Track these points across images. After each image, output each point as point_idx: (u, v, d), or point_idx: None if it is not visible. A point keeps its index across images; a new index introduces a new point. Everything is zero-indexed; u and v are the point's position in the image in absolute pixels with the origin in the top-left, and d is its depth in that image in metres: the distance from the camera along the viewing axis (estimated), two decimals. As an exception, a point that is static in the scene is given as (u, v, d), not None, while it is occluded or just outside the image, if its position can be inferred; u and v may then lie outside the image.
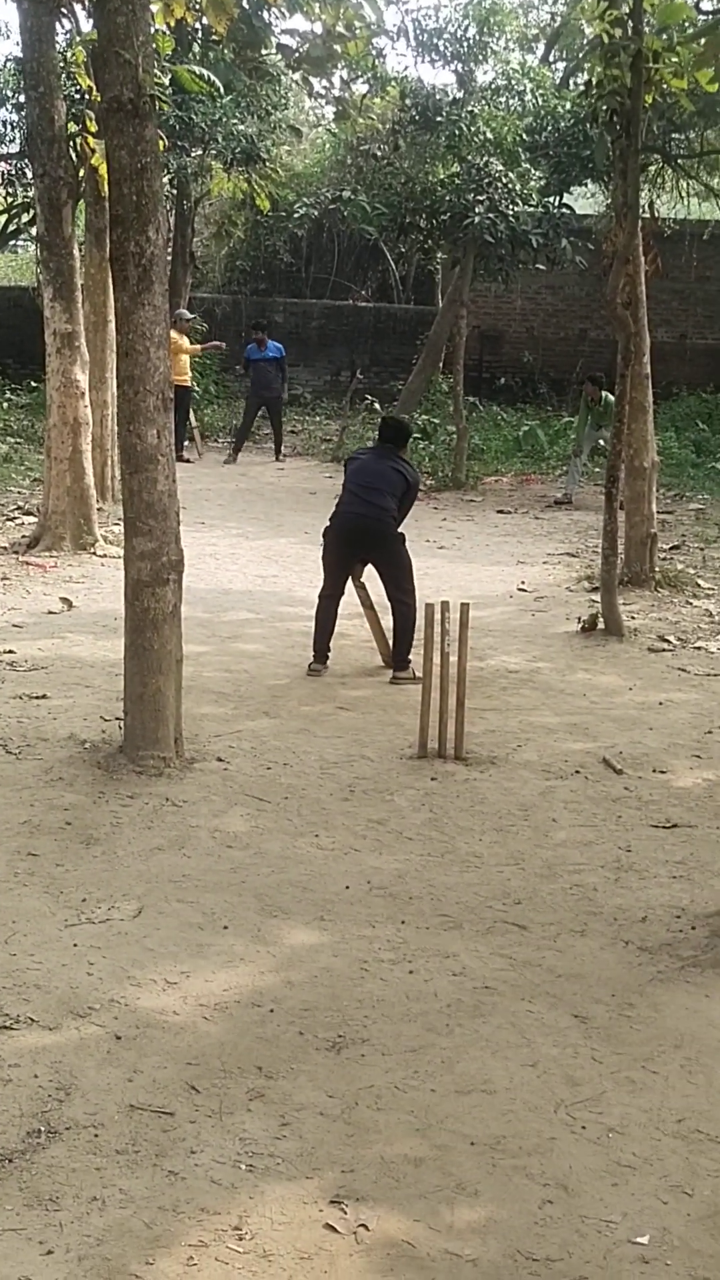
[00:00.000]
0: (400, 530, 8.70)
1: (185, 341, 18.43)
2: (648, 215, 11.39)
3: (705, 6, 18.97)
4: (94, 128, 11.94)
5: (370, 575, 8.81)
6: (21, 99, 16.91)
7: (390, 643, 8.69)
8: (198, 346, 19.43)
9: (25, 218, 21.83)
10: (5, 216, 22.84)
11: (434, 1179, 3.49)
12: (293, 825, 5.99)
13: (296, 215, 21.92)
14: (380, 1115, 3.77)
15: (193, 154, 19.17)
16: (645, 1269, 3.19)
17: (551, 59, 25.06)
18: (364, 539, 8.58)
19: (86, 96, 12.28)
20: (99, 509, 12.72)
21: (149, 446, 6.46)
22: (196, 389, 20.44)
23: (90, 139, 12.16)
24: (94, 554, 11.96)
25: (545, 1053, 4.13)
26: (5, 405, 21.39)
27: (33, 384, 20.15)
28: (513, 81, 18.58)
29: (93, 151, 12.15)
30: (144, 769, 6.47)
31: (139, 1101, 3.78)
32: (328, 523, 8.71)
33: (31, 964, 4.57)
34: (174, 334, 16.97)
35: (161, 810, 6.06)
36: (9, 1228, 3.25)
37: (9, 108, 20.76)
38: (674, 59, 9.40)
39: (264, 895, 5.23)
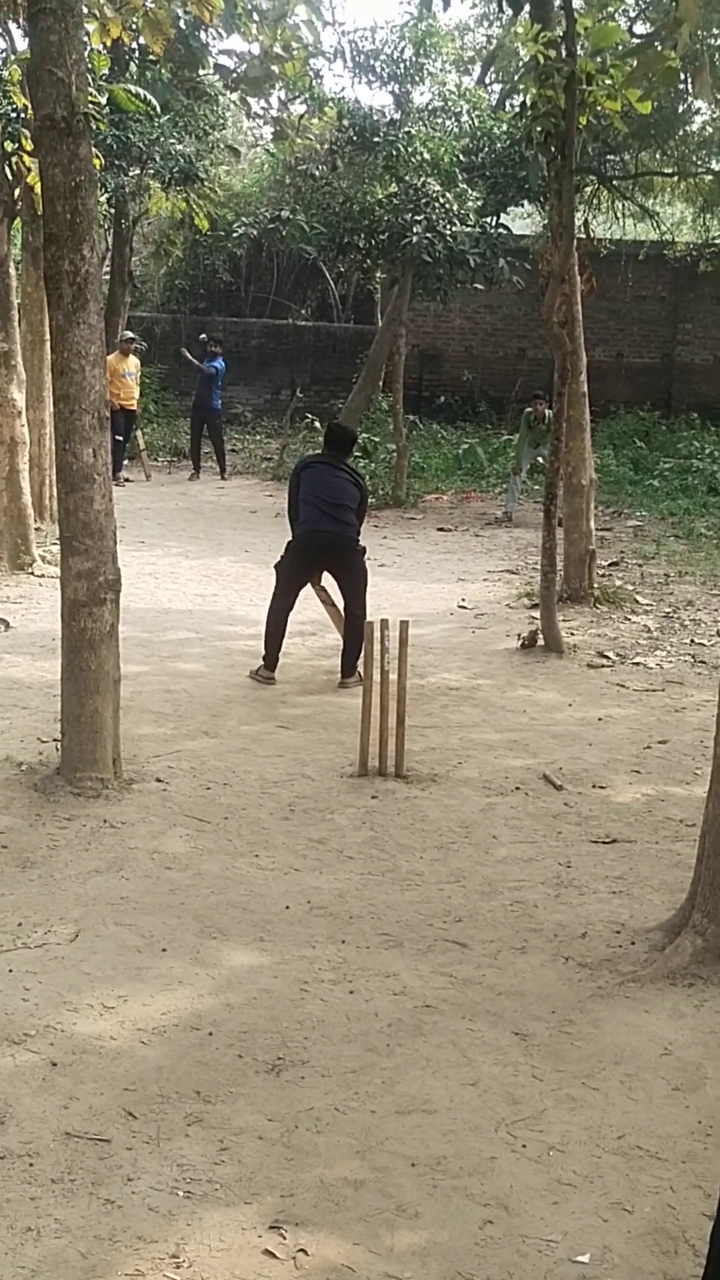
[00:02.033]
0: (361, 544, 9.03)
1: (131, 363, 18.36)
2: (583, 236, 11.47)
3: (639, 30, 19.25)
4: (29, 146, 11.87)
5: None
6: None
7: (342, 646, 8.87)
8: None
9: (-39, 236, 21.65)
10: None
11: (374, 1201, 3.46)
12: (232, 845, 5.95)
13: (235, 234, 21.88)
14: (320, 1138, 3.74)
15: (130, 173, 19.13)
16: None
17: (487, 81, 25.28)
18: (330, 553, 8.90)
19: (22, 115, 12.21)
20: (37, 528, 12.64)
21: (85, 465, 6.41)
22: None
23: (26, 157, 12.09)
24: (32, 574, 11.86)
25: (486, 1071, 4.11)
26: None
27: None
28: (449, 103, 18.71)
29: (28, 170, 12.08)
30: (81, 791, 6.41)
31: (75, 1129, 3.72)
32: (291, 538, 9.01)
33: (-34, 990, 4.50)
34: (114, 357, 16.95)
35: (99, 832, 6.00)
36: (-59, 1261, 3.18)
37: (-56, 126, 20.58)
38: (608, 81, 9.51)
39: (203, 916, 5.18)
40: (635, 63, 8.82)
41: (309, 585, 9.19)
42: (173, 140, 18.63)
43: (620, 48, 10.58)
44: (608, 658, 9.55)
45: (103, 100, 11.75)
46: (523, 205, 21.55)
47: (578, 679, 9.07)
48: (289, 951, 4.91)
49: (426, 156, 16.97)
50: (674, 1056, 4.25)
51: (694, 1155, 3.74)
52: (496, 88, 25.04)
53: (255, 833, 6.12)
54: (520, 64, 20.30)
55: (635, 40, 17.46)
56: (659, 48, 8.51)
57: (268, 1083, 4.01)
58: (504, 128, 18.52)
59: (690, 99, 19.83)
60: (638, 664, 9.46)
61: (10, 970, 4.65)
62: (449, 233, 16.37)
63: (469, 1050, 4.24)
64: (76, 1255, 3.21)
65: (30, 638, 9.58)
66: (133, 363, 18.54)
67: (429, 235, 16.18)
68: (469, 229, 17.05)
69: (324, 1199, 3.47)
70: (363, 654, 7.27)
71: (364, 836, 6.13)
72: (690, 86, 10.17)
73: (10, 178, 12.05)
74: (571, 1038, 4.34)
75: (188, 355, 20.07)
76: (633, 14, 20.80)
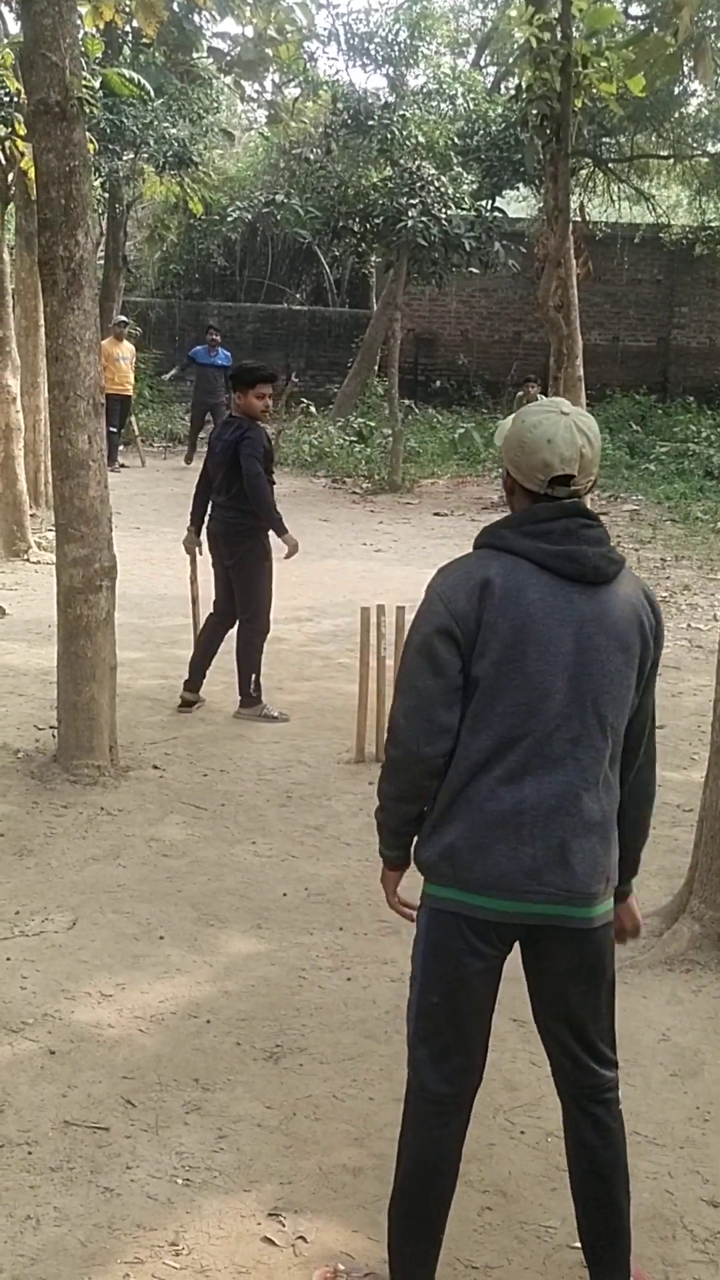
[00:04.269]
0: (261, 544, 7.63)
1: (125, 349, 18.28)
2: (579, 219, 11.43)
3: (634, 11, 19.18)
4: (23, 130, 11.82)
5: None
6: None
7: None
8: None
9: (-45, 221, 21.58)
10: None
11: (373, 1188, 3.46)
12: (229, 832, 5.95)
13: (230, 219, 21.89)
14: (319, 1125, 3.74)
15: (124, 157, 19.08)
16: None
17: (482, 63, 25.22)
18: (220, 549, 7.73)
19: (15, 99, 12.16)
20: (32, 515, 12.61)
21: (80, 452, 6.39)
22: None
23: (19, 142, 12.04)
24: (27, 560, 11.85)
25: (484, 1058, 4.11)
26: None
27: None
28: (444, 86, 18.68)
29: (22, 155, 12.03)
30: (78, 778, 6.40)
31: (73, 1117, 3.72)
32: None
33: (-36, 979, 4.50)
34: (108, 342, 16.89)
35: (96, 819, 6.00)
36: (-60, 1250, 3.19)
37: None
38: (603, 64, 9.46)
39: (200, 904, 5.18)
40: (634, 50, 8.76)
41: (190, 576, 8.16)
42: (167, 124, 18.57)
43: (615, 30, 10.53)
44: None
45: (96, 84, 11.71)
46: (518, 188, 21.54)
47: (574, 664, 9.05)
48: (287, 938, 4.91)
49: (421, 140, 16.95)
50: (671, 1042, 4.26)
51: (692, 1140, 3.74)
52: (491, 70, 24.99)
53: (252, 820, 6.12)
54: (515, 46, 20.22)
55: (631, 22, 17.41)
56: (656, 32, 8.45)
57: (266, 1070, 4.01)
58: (499, 111, 18.50)
59: (686, 81, 19.76)
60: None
61: (8, 959, 4.65)
62: (444, 216, 16.35)
63: (467, 1037, 4.24)
64: (76, 1243, 3.21)
65: (26, 625, 9.57)
66: (127, 348, 18.48)
67: (424, 219, 16.15)
68: (464, 212, 17.03)
69: (323, 1186, 3.47)
70: (359, 640, 7.16)
71: (361, 823, 6.13)
72: (692, 70, 10.10)
73: (3, 163, 12.00)
74: (569, 1024, 4.34)
75: (179, 371, 19.75)
76: (628, -5, 20.70)
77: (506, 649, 2.72)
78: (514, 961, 4.75)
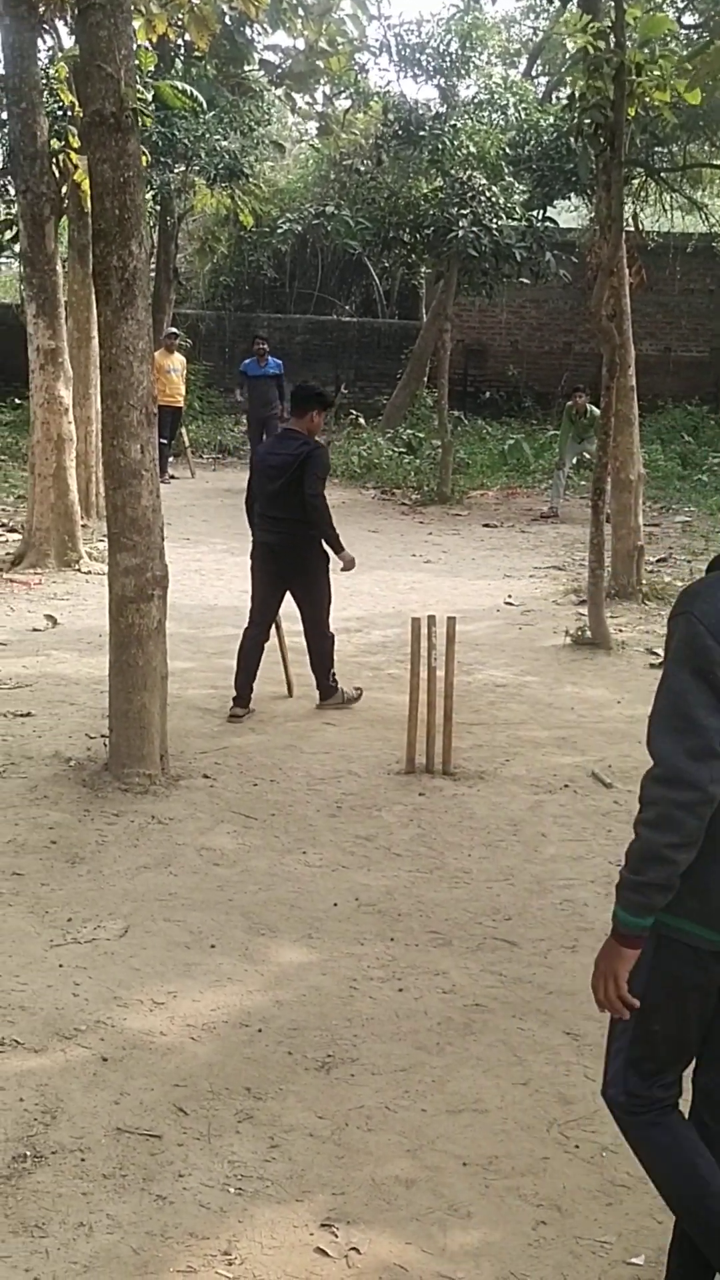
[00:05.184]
0: (320, 553, 7.77)
1: (176, 360, 18.35)
2: (631, 228, 11.39)
3: (687, 20, 19.10)
4: (76, 144, 11.94)
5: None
6: (4, 116, 16.90)
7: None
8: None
9: (8, 234, 21.76)
10: (-11, 233, 22.78)
11: (426, 1200, 3.44)
12: (280, 842, 5.94)
13: (280, 231, 21.95)
14: (371, 1136, 3.72)
15: (176, 170, 19.19)
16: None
17: (534, 73, 25.21)
18: (277, 566, 7.78)
19: (69, 112, 12.28)
20: (83, 525, 12.69)
21: (133, 461, 6.42)
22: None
23: (73, 154, 12.16)
24: (79, 570, 11.92)
25: (537, 1071, 4.08)
26: (-11, 422, 21.36)
27: (16, 401, 20.12)
28: (495, 96, 18.64)
29: (75, 167, 12.15)
30: (129, 786, 6.42)
31: (126, 1124, 3.72)
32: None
33: (17, 985, 4.51)
34: (159, 354, 16.97)
35: (147, 828, 6.01)
36: (-6, 1256, 3.19)
37: (-9, 125, 20.73)
38: (656, 72, 9.42)
39: (251, 913, 5.17)
40: (694, 63, 8.72)
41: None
42: (218, 136, 18.67)
43: (669, 38, 10.49)
44: (656, 654, 9.48)
45: (149, 97, 11.80)
46: (569, 198, 21.46)
47: (626, 676, 9.00)
48: (338, 949, 4.89)
49: (472, 150, 16.92)
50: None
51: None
52: (543, 80, 24.97)
53: (302, 829, 6.11)
54: (567, 55, 20.19)
55: (684, 30, 17.33)
56: (718, 44, 8.41)
57: (317, 1080, 4.00)
58: (551, 120, 18.44)
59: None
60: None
61: (60, 965, 4.66)
62: (495, 227, 16.30)
63: (520, 1049, 4.21)
64: (129, 1251, 3.21)
65: (77, 634, 9.62)
66: (178, 359, 18.57)
67: (475, 229, 16.11)
68: (515, 223, 16.98)
69: (375, 1197, 3.45)
70: (409, 651, 7.16)
71: (412, 834, 6.11)
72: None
73: (57, 175, 12.10)
74: (623, 1037, 4.29)
75: (240, 393, 19.52)
76: (681, 3, 20.65)
77: None
78: (565, 974, 4.71)
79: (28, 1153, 3.58)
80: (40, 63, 12.26)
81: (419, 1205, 3.42)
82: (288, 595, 7.94)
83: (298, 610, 7.93)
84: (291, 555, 7.72)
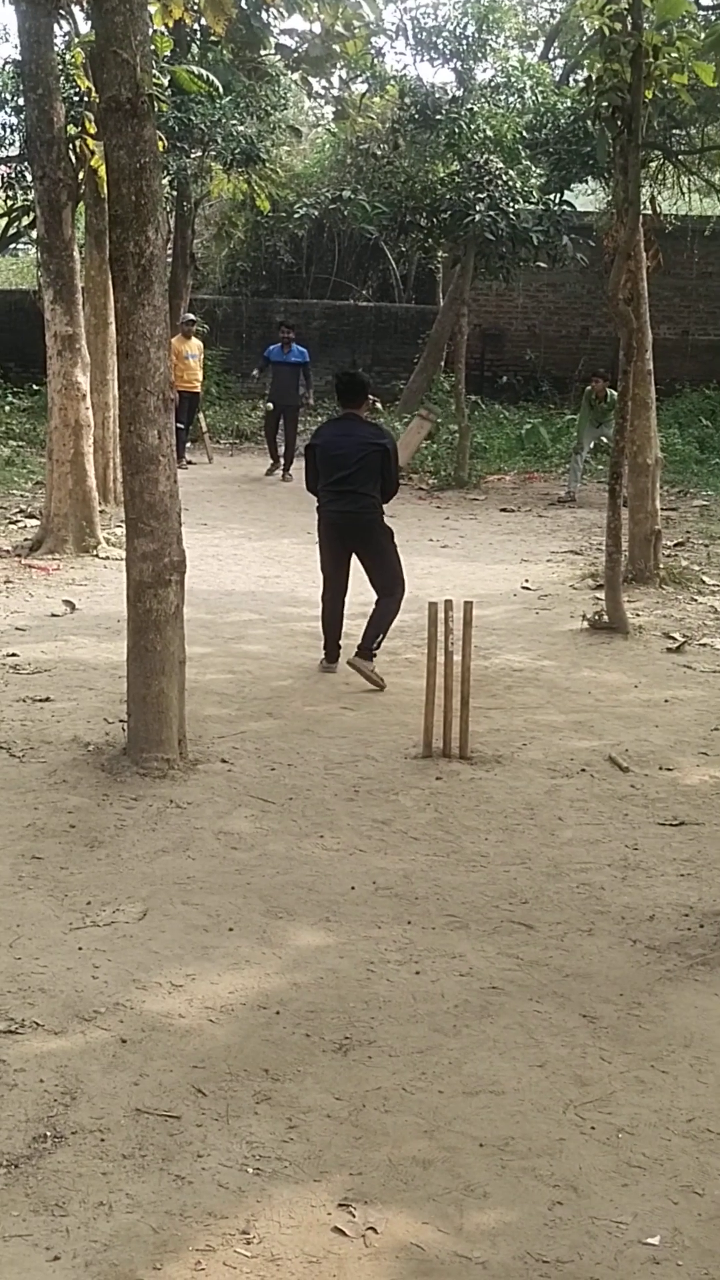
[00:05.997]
0: (387, 524, 8.49)
1: (193, 345, 18.32)
2: (649, 211, 11.33)
3: (705, 1, 18.97)
4: (93, 129, 11.93)
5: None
6: (20, 102, 16.91)
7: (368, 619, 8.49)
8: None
9: (25, 221, 21.82)
10: (5, 220, 22.83)
11: (443, 1181, 3.46)
12: (297, 826, 5.97)
13: (297, 215, 21.91)
14: (388, 1117, 3.74)
15: (192, 155, 19.16)
16: (656, 1270, 3.16)
17: (551, 55, 25.06)
18: (350, 535, 8.41)
19: (85, 99, 12.27)
20: (101, 511, 12.72)
21: (150, 447, 6.43)
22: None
23: (89, 141, 12.15)
24: (96, 556, 11.95)
25: (554, 1053, 4.10)
26: (7, 409, 21.40)
27: (34, 387, 20.15)
28: (512, 79, 18.57)
29: (92, 153, 12.14)
30: (148, 771, 6.45)
31: (145, 1105, 3.76)
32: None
33: (36, 968, 4.55)
34: (176, 340, 16.96)
35: (166, 812, 6.04)
36: (16, 1233, 3.22)
37: (8, 111, 20.78)
38: (674, 54, 9.37)
39: (269, 897, 5.20)
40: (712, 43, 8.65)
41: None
42: (234, 121, 18.62)
43: (687, 19, 10.43)
44: (674, 639, 9.47)
45: (165, 82, 11.79)
46: (587, 181, 21.37)
47: (643, 660, 9.00)
48: (355, 932, 4.92)
49: (489, 134, 16.87)
50: (744, 1040, 4.21)
51: (765, 1139, 3.70)
52: (560, 63, 24.82)
53: (320, 813, 6.13)
54: (584, 38, 20.09)
55: (702, 12, 17.22)
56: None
57: (335, 1062, 4.02)
58: (568, 103, 18.37)
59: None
60: (704, 645, 9.36)
61: (80, 948, 4.70)
62: (512, 210, 16.26)
63: (536, 1032, 4.23)
64: (148, 1230, 3.24)
65: (95, 619, 9.65)
66: (195, 345, 18.56)
67: (492, 213, 16.07)
68: (532, 206, 16.93)
69: (393, 1178, 3.47)
70: (426, 635, 7.18)
71: (429, 818, 6.13)
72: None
73: (74, 161, 12.11)
74: (640, 1020, 4.32)
75: (258, 373, 19.54)
76: (699, -15, 20.47)
77: None
78: (582, 957, 4.73)
79: (48, 1133, 3.61)
80: (57, 48, 12.25)
81: (436, 1185, 3.44)
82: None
83: (367, 578, 8.56)
84: (368, 528, 8.36)
